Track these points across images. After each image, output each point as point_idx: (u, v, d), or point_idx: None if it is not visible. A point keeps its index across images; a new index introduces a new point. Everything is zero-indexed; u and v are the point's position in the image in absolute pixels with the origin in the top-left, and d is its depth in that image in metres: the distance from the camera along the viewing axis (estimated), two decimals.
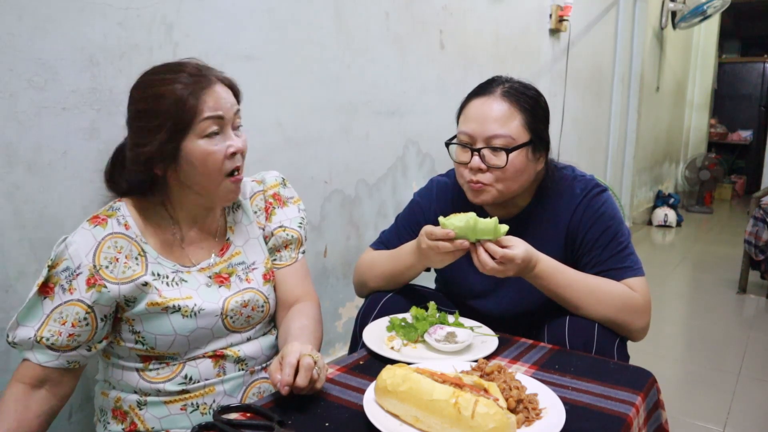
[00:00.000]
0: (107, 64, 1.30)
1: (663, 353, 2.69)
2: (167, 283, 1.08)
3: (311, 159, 1.93)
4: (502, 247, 1.14)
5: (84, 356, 1.05)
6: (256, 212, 1.25)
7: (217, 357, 1.12)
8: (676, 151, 7.34)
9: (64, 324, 1.01)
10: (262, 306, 1.18)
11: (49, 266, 1.02)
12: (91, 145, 1.28)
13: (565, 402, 0.93)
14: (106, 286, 1.02)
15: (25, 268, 1.20)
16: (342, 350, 2.13)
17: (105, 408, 1.13)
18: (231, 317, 1.13)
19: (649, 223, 5.96)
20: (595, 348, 1.18)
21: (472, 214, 1.14)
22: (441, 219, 1.17)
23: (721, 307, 3.42)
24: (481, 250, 1.14)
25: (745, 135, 8.32)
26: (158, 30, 1.41)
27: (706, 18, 5.66)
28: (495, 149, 1.22)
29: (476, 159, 1.23)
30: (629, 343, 1.28)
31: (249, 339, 1.18)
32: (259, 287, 1.19)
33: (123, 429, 1.09)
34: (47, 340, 1.00)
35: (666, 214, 5.82)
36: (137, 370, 1.09)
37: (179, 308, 1.07)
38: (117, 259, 1.04)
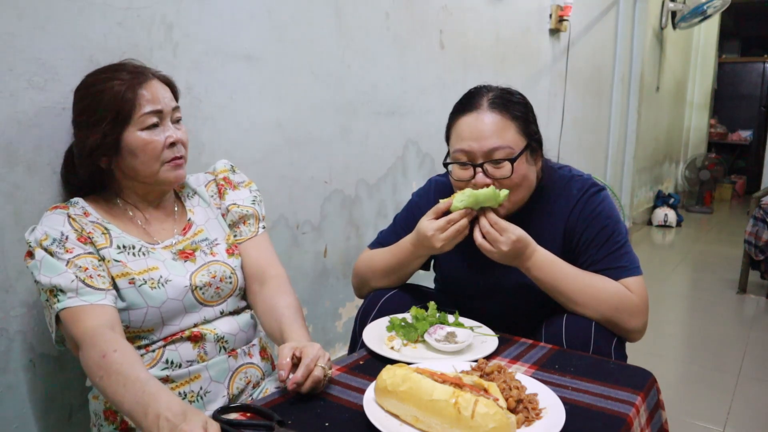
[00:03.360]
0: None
1: (663, 353, 2.69)
2: (134, 254, 1.12)
3: (311, 159, 1.93)
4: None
5: (117, 297, 1.07)
6: (212, 196, 1.31)
7: (196, 338, 1.14)
8: (676, 151, 7.34)
9: (86, 270, 1.03)
10: (230, 277, 1.21)
11: (37, 245, 1.03)
12: None
13: (565, 402, 0.93)
14: (94, 244, 1.08)
15: (25, 268, 1.19)
16: (342, 350, 2.13)
17: (98, 411, 1.13)
18: (200, 289, 1.16)
19: (649, 223, 5.96)
20: (592, 347, 1.18)
21: (467, 190, 1.19)
22: (443, 201, 1.24)
23: (721, 307, 3.42)
24: (482, 219, 1.20)
25: (745, 135, 8.32)
26: (158, 30, 1.41)
27: (706, 18, 5.66)
28: (496, 162, 1.22)
29: (480, 175, 1.23)
30: (628, 343, 1.28)
31: (222, 313, 1.20)
32: (225, 260, 1.22)
33: (115, 428, 1.10)
34: (85, 280, 1.02)
35: (666, 214, 5.82)
36: None
37: (145, 281, 1.10)
38: (84, 230, 1.09)
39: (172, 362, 1.11)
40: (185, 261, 1.18)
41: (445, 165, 1.31)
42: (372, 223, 2.23)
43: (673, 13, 5.73)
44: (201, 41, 1.52)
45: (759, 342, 2.84)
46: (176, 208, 1.26)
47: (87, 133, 1.09)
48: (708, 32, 7.46)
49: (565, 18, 3.48)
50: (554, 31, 3.53)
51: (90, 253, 1.06)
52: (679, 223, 5.88)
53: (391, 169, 2.30)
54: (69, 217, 1.08)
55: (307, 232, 1.95)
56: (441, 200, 1.25)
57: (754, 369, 2.51)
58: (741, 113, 8.39)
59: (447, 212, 1.22)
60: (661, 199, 6.10)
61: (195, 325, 1.15)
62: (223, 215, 1.29)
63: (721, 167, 6.82)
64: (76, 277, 1.01)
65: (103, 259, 1.08)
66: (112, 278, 1.08)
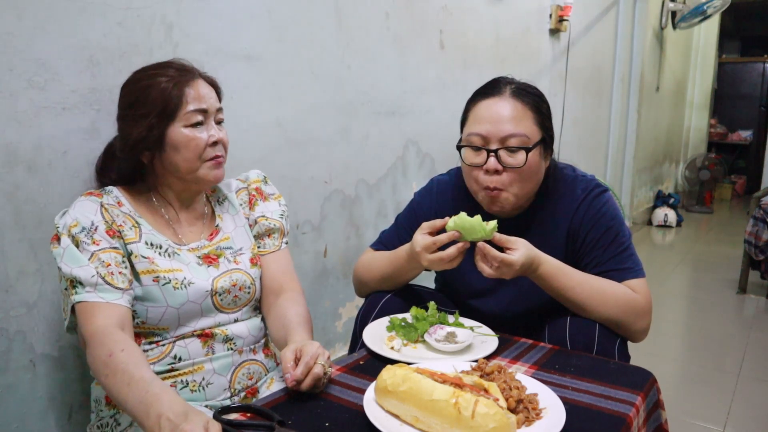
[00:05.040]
0: (107, 64, 1.30)
1: (663, 353, 2.69)
2: (160, 253, 1.13)
3: (311, 159, 1.93)
4: (505, 248, 1.14)
5: (135, 297, 1.08)
6: (241, 204, 1.32)
7: (206, 336, 1.15)
8: (676, 151, 7.34)
9: (108, 266, 1.04)
10: (249, 287, 1.23)
11: (66, 231, 1.04)
12: (91, 145, 1.28)
13: (565, 402, 0.93)
14: (122, 237, 1.09)
15: (25, 268, 1.20)
16: (342, 350, 2.13)
17: (99, 397, 1.14)
18: (220, 295, 1.17)
19: (649, 223, 5.96)
20: (596, 348, 1.18)
21: (462, 214, 1.14)
22: (440, 220, 1.18)
23: (721, 307, 3.42)
24: (479, 257, 1.15)
25: (745, 135, 8.32)
26: (158, 30, 1.41)
27: (706, 18, 5.66)
28: (511, 149, 1.21)
29: (492, 160, 1.22)
30: (629, 343, 1.28)
31: (236, 321, 1.21)
32: (247, 269, 1.24)
33: (115, 412, 1.11)
34: (106, 276, 1.03)
35: (666, 214, 5.82)
36: None
37: (169, 280, 1.11)
38: (116, 218, 1.10)
39: (180, 358, 1.13)
40: (209, 266, 1.19)
41: (458, 148, 1.29)
42: (372, 223, 2.23)
43: (673, 13, 5.73)
44: (201, 41, 1.52)
45: (759, 342, 2.84)
46: (206, 212, 1.27)
47: (132, 127, 1.11)
48: (708, 32, 7.46)
49: (565, 18, 3.48)
50: (554, 31, 3.53)
51: (115, 248, 1.07)
52: (679, 223, 5.88)
53: (391, 169, 2.30)
54: (102, 206, 1.09)
55: (307, 232, 1.95)
56: (438, 219, 1.19)
57: (754, 369, 2.51)
58: (741, 113, 8.39)
59: (444, 230, 1.18)
60: (661, 199, 6.10)
61: (208, 328, 1.17)
62: (250, 225, 1.31)
63: (721, 167, 6.82)
64: (97, 272, 1.02)
65: (130, 253, 1.09)
66: (137, 273, 1.09)
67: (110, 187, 1.16)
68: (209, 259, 1.20)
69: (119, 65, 1.32)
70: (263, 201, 1.33)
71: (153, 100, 1.10)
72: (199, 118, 1.13)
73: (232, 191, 1.33)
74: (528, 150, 1.21)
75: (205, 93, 1.15)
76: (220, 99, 1.21)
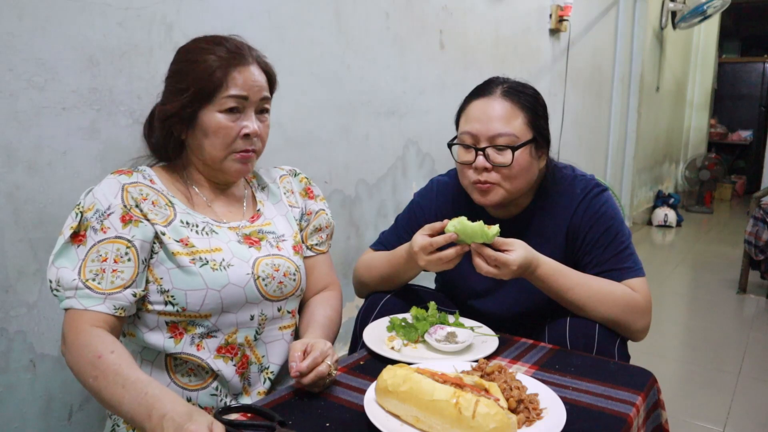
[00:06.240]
0: (107, 64, 1.30)
1: (663, 353, 2.69)
2: (197, 232, 1.08)
3: (311, 159, 1.93)
4: (503, 250, 1.14)
5: (129, 302, 1.00)
6: (285, 193, 1.28)
7: (242, 368, 1.10)
8: (676, 151, 7.34)
9: (105, 261, 0.99)
10: (294, 274, 1.17)
11: (80, 212, 1.01)
12: (91, 145, 1.29)
13: (566, 402, 0.93)
14: (142, 221, 1.03)
15: (25, 268, 1.20)
16: (342, 350, 2.13)
17: None
18: (263, 279, 1.11)
19: (649, 223, 5.96)
20: (596, 348, 1.18)
21: (461, 218, 1.14)
22: (439, 223, 1.19)
23: (721, 307, 3.42)
24: (475, 255, 1.15)
25: (745, 135, 8.32)
26: (158, 30, 1.41)
27: (706, 18, 5.66)
28: (499, 148, 1.22)
29: (481, 158, 1.23)
30: (629, 343, 1.28)
31: (279, 310, 1.15)
32: (290, 256, 1.19)
33: None
34: (92, 280, 0.98)
35: (666, 214, 5.82)
36: (168, 370, 1.07)
37: (207, 261, 1.05)
38: (144, 200, 1.05)
39: (221, 390, 1.09)
40: (250, 246, 1.13)
41: (449, 145, 1.31)
42: (372, 223, 2.23)
43: (673, 13, 5.73)
44: None
45: (759, 342, 2.84)
46: (246, 194, 1.22)
47: (169, 98, 1.08)
48: (708, 32, 7.47)
49: (565, 18, 3.48)
50: (554, 31, 3.53)
51: (120, 237, 1.00)
52: (679, 223, 5.88)
53: (391, 169, 2.30)
54: (124, 188, 1.03)
55: None
56: (438, 222, 1.20)
57: (754, 369, 2.51)
58: (741, 113, 8.41)
59: (443, 232, 1.18)
60: (661, 199, 6.11)
61: (251, 318, 1.11)
62: (308, 213, 1.28)
63: (721, 167, 6.82)
64: (79, 276, 0.98)
65: (162, 234, 1.04)
66: (171, 254, 1.04)
67: (143, 166, 1.12)
68: (251, 241, 1.14)
69: (119, 65, 1.32)
70: (320, 199, 1.33)
71: (195, 76, 1.05)
72: (234, 104, 1.07)
73: (274, 180, 1.28)
74: (514, 149, 1.21)
75: (252, 80, 1.08)
76: (272, 88, 1.16)
